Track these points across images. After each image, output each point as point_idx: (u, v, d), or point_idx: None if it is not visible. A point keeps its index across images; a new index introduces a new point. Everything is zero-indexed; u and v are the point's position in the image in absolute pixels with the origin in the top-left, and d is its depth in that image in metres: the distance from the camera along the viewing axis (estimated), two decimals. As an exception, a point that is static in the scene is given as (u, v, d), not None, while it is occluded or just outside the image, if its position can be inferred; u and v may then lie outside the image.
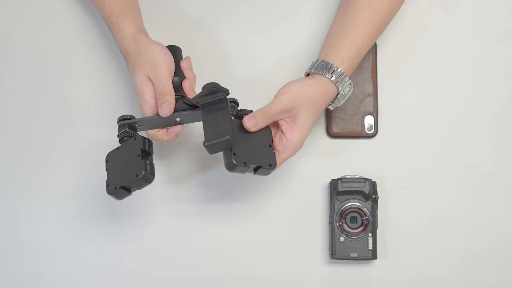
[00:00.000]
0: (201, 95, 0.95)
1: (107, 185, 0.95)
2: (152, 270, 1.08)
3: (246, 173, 0.95)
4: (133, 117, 0.99)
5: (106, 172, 0.96)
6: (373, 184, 1.06)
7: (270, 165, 0.95)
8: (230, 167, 0.92)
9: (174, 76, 1.01)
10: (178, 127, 0.99)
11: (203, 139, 0.92)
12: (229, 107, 0.95)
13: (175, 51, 1.04)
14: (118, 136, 0.98)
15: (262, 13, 1.14)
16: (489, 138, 1.10)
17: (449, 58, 1.12)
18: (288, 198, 1.09)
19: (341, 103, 1.03)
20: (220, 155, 0.94)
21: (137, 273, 1.08)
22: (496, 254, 1.08)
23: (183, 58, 1.04)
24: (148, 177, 0.93)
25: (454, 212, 1.08)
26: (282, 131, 0.98)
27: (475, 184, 1.09)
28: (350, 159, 1.10)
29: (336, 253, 1.05)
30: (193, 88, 1.02)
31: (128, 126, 0.98)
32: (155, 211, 1.09)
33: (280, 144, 0.98)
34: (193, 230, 1.09)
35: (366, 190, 1.05)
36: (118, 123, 0.99)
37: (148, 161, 0.94)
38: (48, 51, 1.13)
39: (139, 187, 0.94)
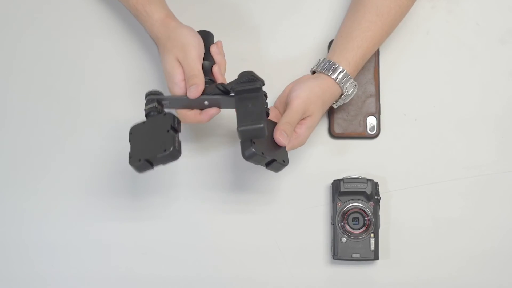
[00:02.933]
0: (237, 82, 0.96)
1: (130, 157, 0.94)
2: (152, 270, 1.08)
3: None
4: (161, 93, 0.99)
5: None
6: (375, 185, 1.06)
7: (283, 161, 0.96)
8: (249, 155, 0.93)
9: (205, 60, 1.01)
10: (214, 110, 1.00)
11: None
12: (264, 97, 0.96)
13: (206, 36, 1.05)
14: (145, 110, 0.98)
15: (266, 14, 1.14)
16: (492, 139, 1.10)
17: (452, 59, 1.12)
18: (290, 198, 1.09)
19: (344, 102, 1.05)
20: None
21: (138, 273, 1.09)
22: (498, 255, 1.07)
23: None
24: (175, 154, 0.92)
25: (456, 213, 1.08)
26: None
27: (478, 185, 1.09)
28: (352, 159, 1.10)
29: (338, 253, 1.05)
30: (223, 73, 1.03)
31: (156, 101, 0.98)
32: (156, 212, 1.10)
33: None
34: (194, 230, 1.09)
35: (368, 190, 1.05)
36: (145, 97, 0.99)
37: (176, 138, 0.94)
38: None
39: (164, 162, 0.93)
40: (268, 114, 0.98)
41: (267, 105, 0.98)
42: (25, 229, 1.10)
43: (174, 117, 0.95)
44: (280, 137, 0.96)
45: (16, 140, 1.12)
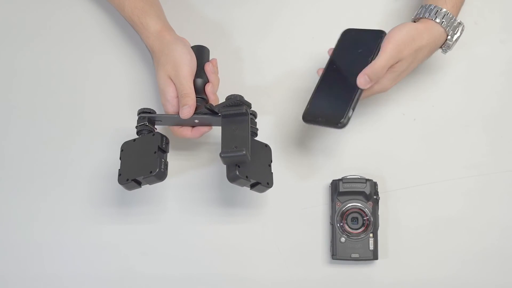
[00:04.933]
0: (224, 105, 0.97)
1: (119, 175, 0.97)
2: (152, 269, 1.08)
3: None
4: (154, 111, 1.01)
5: (118, 164, 0.98)
6: (374, 185, 1.06)
7: (267, 183, 0.98)
8: (233, 178, 0.95)
9: (198, 77, 1.02)
10: (205, 128, 1.02)
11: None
12: (249, 122, 0.97)
13: (201, 51, 1.06)
14: (136, 127, 1.00)
15: (265, 13, 1.14)
16: (490, 138, 1.10)
17: (451, 59, 1.12)
18: (289, 198, 1.09)
19: (453, 46, 1.02)
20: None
21: (138, 273, 1.08)
22: (496, 254, 1.07)
23: (209, 60, 1.06)
24: (161, 175, 0.96)
25: (455, 212, 1.08)
26: None
27: (476, 184, 1.09)
28: (351, 159, 1.10)
29: (337, 253, 1.05)
30: (215, 92, 1.03)
31: (147, 120, 1.00)
32: (157, 210, 1.10)
33: None
34: (194, 230, 1.09)
35: (367, 190, 1.05)
36: (138, 115, 1.01)
37: (163, 160, 0.96)
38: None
39: (150, 183, 0.96)
40: (256, 135, 1.00)
41: (256, 125, 1.00)
42: (26, 231, 1.10)
43: (162, 137, 0.98)
44: (360, 79, 0.95)
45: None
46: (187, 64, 1.00)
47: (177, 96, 1.00)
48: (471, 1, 1.13)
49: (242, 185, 0.96)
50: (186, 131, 1.02)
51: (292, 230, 1.09)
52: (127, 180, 0.96)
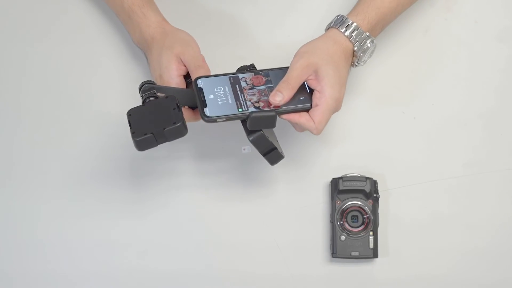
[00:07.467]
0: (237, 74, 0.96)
1: (133, 132, 0.89)
2: (151, 266, 1.08)
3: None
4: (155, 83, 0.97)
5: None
6: (374, 183, 1.06)
7: (282, 154, 0.95)
8: (257, 138, 0.92)
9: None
10: None
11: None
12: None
13: None
14: (143, 95, 0.94)
15: (264, 12, 1.15)
16: (491, 136, 1.10)
17: (450, 57, 1.12)
18: (289, 196, 1.09)
19: (365, 59, 1.01)
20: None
21: (137, 271, 1.08)
22: (496, 252, 1.08)
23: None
24: (182, 129, 0.90)
25: (455, 210, 1.09)
26: (314, 91, 0.96)
27: (476, 182, 1.09)
28: (351, 157, 1.10)
29: (337, 251, 1.05)
30: None
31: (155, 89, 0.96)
32: (156, 207, 1.09)
33: (316, 100, 0.95)
34: (194, 227, 1.09)
35: (367, 188, 1.05)
36: (141, 87, 0.95)
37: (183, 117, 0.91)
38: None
39: (172, 136, 0.90)
40: None
41: None
42: (27, 230, 1.10)
43: (176, 98, 0.92)
44: (272, 97, 0.92)
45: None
46: (196, 44, 1.00)
47: (182, 75, 0.98)
48: (471, 0, 1.14)
49: (260, 147, 0.93)
50: (188, 113, 0.99)
51: (292, 228, 1.09)
52: (145, 134, 0.88)
